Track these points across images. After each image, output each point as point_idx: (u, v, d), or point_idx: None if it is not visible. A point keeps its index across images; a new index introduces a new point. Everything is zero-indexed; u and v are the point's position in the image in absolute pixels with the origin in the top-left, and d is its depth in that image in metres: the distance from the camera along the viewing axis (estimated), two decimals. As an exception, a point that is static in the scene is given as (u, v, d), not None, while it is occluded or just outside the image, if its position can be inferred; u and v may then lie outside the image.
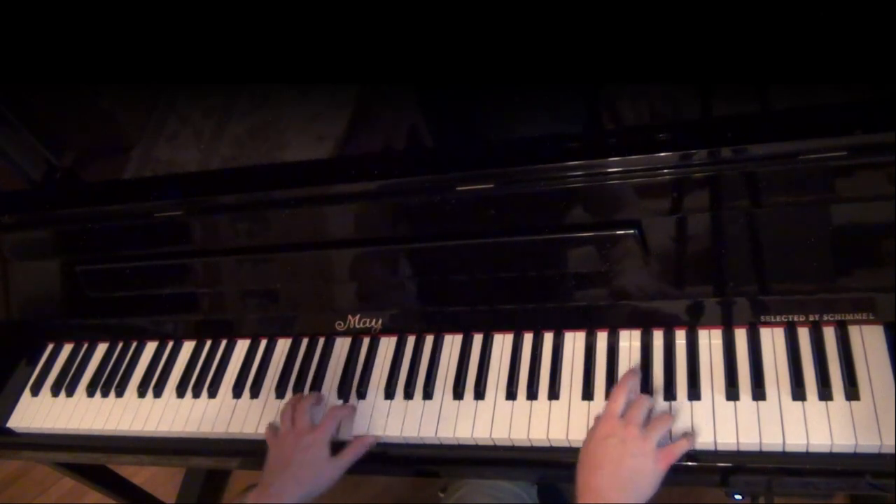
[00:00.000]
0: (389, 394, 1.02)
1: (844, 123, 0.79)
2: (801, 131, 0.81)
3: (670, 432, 0.86)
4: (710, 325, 0.93)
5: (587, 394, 0.93)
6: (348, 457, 0.96)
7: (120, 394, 1.16)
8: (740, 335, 0.91)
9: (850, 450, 0.81)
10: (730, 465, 0.85)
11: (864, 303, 0.87)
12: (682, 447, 0.83)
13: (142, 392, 1.15)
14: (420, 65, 0.88)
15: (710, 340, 0.93)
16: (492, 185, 0.93)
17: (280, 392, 1.07)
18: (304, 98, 0.96)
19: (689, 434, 0.85)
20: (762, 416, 0.84)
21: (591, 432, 0.86)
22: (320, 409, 1.02)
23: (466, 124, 0.94)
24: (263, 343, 1.14)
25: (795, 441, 0.82)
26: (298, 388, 1.06)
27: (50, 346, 1.26)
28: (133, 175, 1.10)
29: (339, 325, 1.09)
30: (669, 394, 0.89)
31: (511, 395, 0.96)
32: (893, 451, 0.79)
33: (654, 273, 0.92)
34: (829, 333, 0.88)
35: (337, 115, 0.97)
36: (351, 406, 1.02)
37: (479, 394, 0.98)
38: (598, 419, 0.87)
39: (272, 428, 1.01)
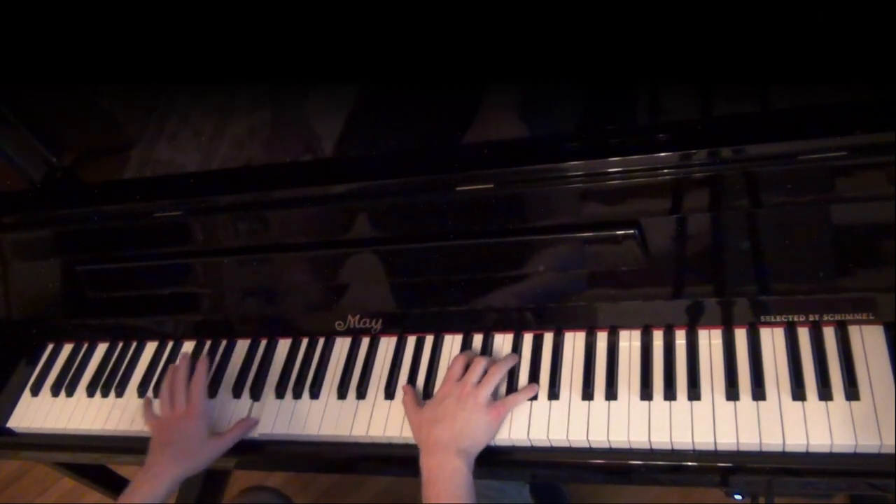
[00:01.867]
0: (389, 394, 1.02)
1: (844, 123, 0.79)
2: (801, 131, 0.81)
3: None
4: (710, 325, 0.93)
5: (587, 394, 0.93)
6: (227, 439, 1.01)
7: (120, 394, 1.16)
8: (740, 335, 0.91)
9: (850, 450, 0.81)
10: (730, 465, 0.85)
11: (864, 303, 0.87)
12: (511, 401, 0.93)
13: (142, 392, 1.15)
14: (420, 64, 0.88)
15: (710, 340, 0.93)
16: (492, 186, 0.93)
17: (280, 392, 1.07)
18: (304, 98, 0.96)
19: (524, 389, 0.94)
20: (762, 416, 0.85)
21: (433, 397, 0.96)
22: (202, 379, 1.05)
23: (466, 124, 0.94)
24: (263, 343, 1.14)
25: (795, 441, 0.82)
26: (298, 388, 1.06)
27: (50, 346, 1.26)
28: (133, 175, 1.10)
29: (339, 325, 1.09)
30: (669, 394, 0.89)
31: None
32: (893, 451, 0.79)
33: (654, 273, 0.92)
34: (829, 333, 0.88)
35: (337, 115, 0.97)
36: (204, 361, 1.07)
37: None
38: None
39: (150, 412, 1.07)
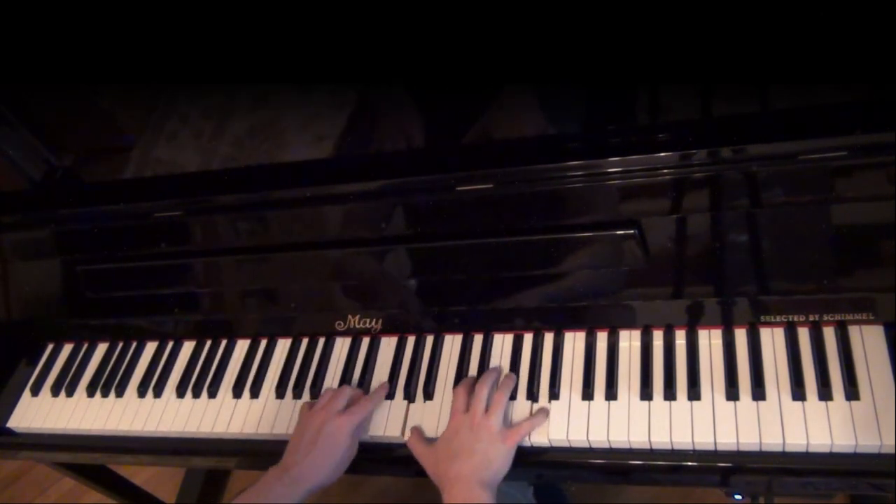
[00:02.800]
0: (389, 394, 1.02)
1: (844, 123, 0.79)
2: (801, 131, 0.81)
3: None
4: (710, 325, 0.93)
5: (587, 394, 0.93)
6: (355, 444, 0.95)
7: (120, 394, 1.16)
8: (740, 335, 0.91)
9: (850, 450, 0.81)
10: (730, 465, 0.85)
11: (864, 303, 0.87)
12: (525, 427, 0.91)
13: (142, 392, 1.15)
14: (420, 65, 0.88)
15: (710, 340, 0.93)
16: (491, 185, 0.93)
17: (280, 392, 1.07)
18: (304, 98, 0.96)
19: (536, 414, 0.92)
20: (762, 416, 0.84)
21: (444, 432, 0.93)
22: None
23: (466, 124, 0.94)
24: (263, 343, 1.14)
25: (795, 441, 0.82)
26: (298, 387, 1.06)
27: (50, 346, 1.26)
28: (133, 175, 1.10)
29: (339, 325, 1.09)
30: (669, 394, 0.89)
31: (511, 395, 0.96)
32: (893, 451, 0.79)
33: (654, 273, 0.92)
34: (829, 333, 0.88)
35: (337, 115, 0.97)
36: (384, 388, 1.01)
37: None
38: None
39: (308, 406, 1.00)
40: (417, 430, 0.96)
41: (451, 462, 0.88)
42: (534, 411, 0.93)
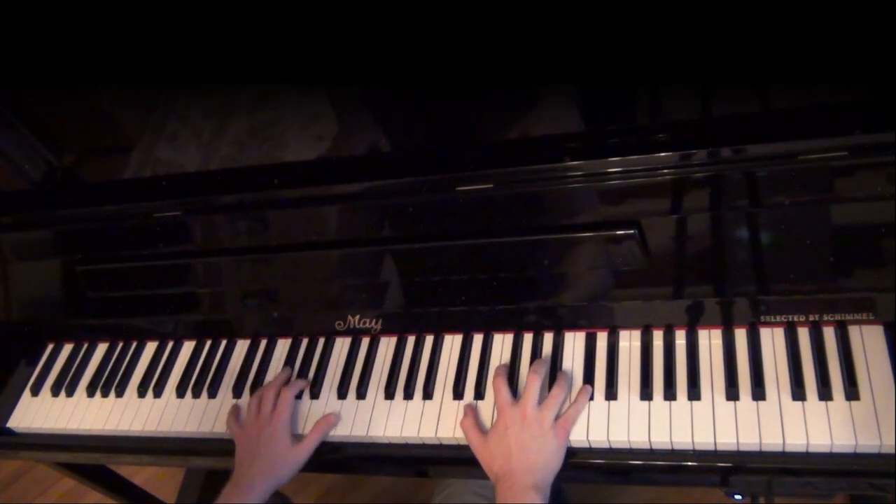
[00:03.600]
0: (389, 394, 1.02)
1: (844, 123, 0.79)
2: (801, 131, 0.81)
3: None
4: (710, 325, 0.93)
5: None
6: (310, 442, 0.98)
7: (120, 394, 1.16)
8: (740, 335, 0.91)
9: (850, 450, 0.81)
10: (730, 465, 0.85)
11: (864, 303, 0.87)
12: (574, 413, 0.89)
13: (142, 392, 1.15)
14: (420, 65, 0.88)
15: (710, 340, 0.93)
16: (491, 186, 0.93)
17: (280, 392, 1.07)
18: (304, 98, 0.96)
19: (577, 397, 0.91)
20: (762, 416, 0.84)
21: (494, 426, 0.91)
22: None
23: (466, 124, 0.94)
24: (263, 343, 1.14)
25: (795, 441, 0.82)
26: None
27: (50, 346, 1.26)
28: (133, 175, 1.10)
29: (339, 325, 1.09)
30: (669, 394, 0.89)
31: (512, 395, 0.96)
32: (893, 451, 0.79)
33: (654, 273, 0.92)
34: (829, 333, 0.88)
35: (336, 115, 0.97)
36: (304, 380, 1.05)
37: (480, 394, 0.98)
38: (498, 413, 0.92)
39: (235, 421, 1.03)
40: (472, 412, 0.94)
41: (507, 460, 0.86)
42: (574, 394, 0.92)
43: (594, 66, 0.83)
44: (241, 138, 1.02)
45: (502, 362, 0.99)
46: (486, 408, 0.96)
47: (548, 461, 0.87)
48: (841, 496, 1.41)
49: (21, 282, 1.24)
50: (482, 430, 0.92)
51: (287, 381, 1.05)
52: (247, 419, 1.02)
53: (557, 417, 0.89)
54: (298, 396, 1.05)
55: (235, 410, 1.05)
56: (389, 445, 0.99)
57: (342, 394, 1.04)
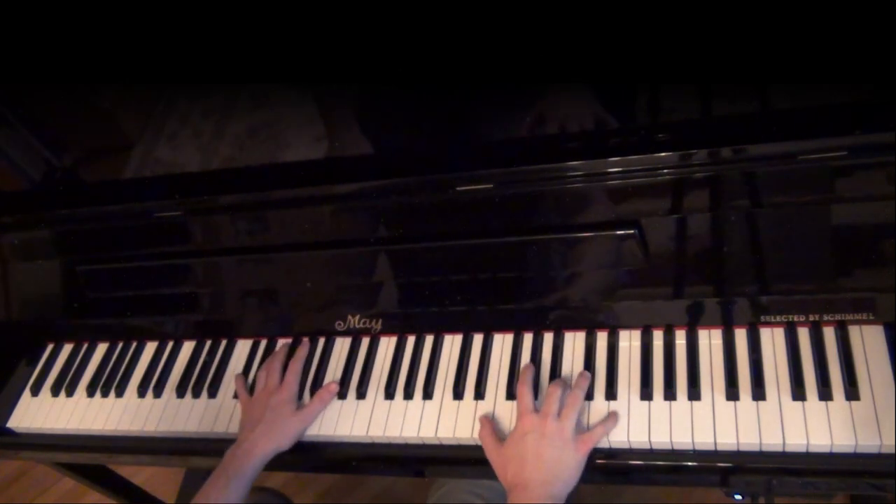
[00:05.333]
0: (389, 394, 1.02)
1: (844, 123, 0.79)
2: (801, 131, 0.81)
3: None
4: (710, 325, 0.93)
5: (587, 394, 0.92)
6: (312, 409, 1.02)
7: (120, 394, 1.16)
8: (740, 335, 0.91)
9: (851, 450, 0.81)
10: (730, 465, 0.85)
11: (864, 303, 0.87)
12: (599, 433, 0.87)
13: (142, 392, 1.15)
14: (420, 64, 0.88)
15: (710, 340, 0.93)
16: (491, 186, 0.93)
17: (280, 392, 1.07)
18: (304, 98, 0.96)
19: (606, 419, 0.89)
20: (762, 416, 0.85)
21: (512, 433, 0.89)
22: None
23: (466, 124, 0.94)
24: (263, 343, 1.14)
25: (795, 441, 0.82)
26: (299, 387, 1.06)
27: (50, 346, 1.26)
28: (133, 175, 1.10)
29: (339, 325, 1.09)
30: (670, 394, 0.89)
31: (511, 395, 0.96)
32: (893, 451, 0.79)
33: (654, 273, 0.92)
34: (829, 333, 0.88)
35: (336, 115, 0.97)
36: (304, 348, 1.08)
37: (480, 394, 0.98)
38: (518, 418, 0.90)
39: (244, 389, 1.08)
40: (489, 423, 0.92)
41: (522, 467, 0.84)
42: (608, 413, 0.90)
43: (594, 66, 0.83)
44: (241, 138, 1.02)
45: (502, 362, 0.99)
46: (486, 408, 0.96)
47: (565, 473, 0.84)
48: (841, 496, 1.41)
49: (21, 282, 1.24)
50: (499, 438, 0.91)
51: (289, 355, 1.08)
52: (257, 388, 1.05)
53: (582, 432, 0.88)
54: (299, 397, 1.05)
55: (242, 379, 1.09)
56: (389, 445, 0.99)
57: (342, 394, 1.04)
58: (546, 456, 0.84)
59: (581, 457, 0.86)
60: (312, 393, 1.05)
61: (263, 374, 1.06)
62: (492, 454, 0.89)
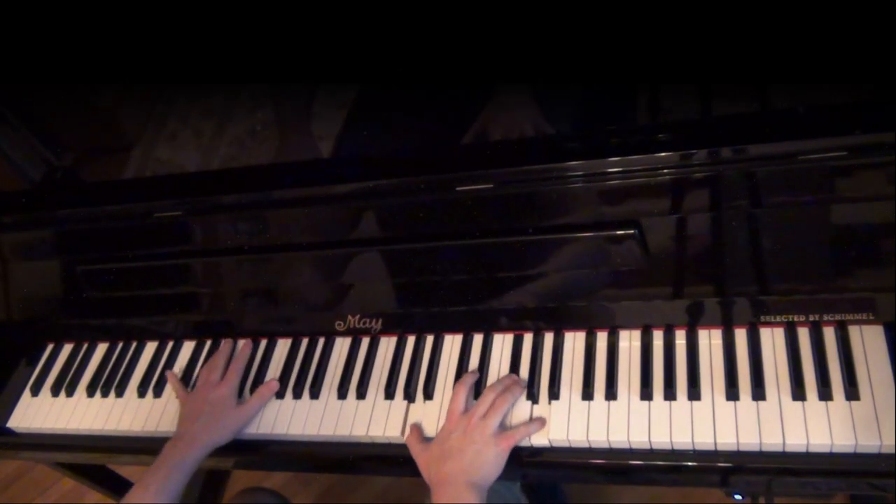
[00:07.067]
0: (390, 394, 1.02)
1: (844, 123, 0.79)
2: (801, 131, 0.81)
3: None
4: (710, 325, 0.93)
5: (587, 394, 0.93)
6: (251, 405, 1.04)
7: (120, 394, 1.16)
8: (740, 335, 0.91)
9: (850, 450, 0.81)
10: (730, 465, 0.85)
11: (864, 303, 0.87)
12: (521, 433, 0.90)
13: (142, 392, 1.15)
14: (421, 64, 0.88)
15: (710, 340, 0.93)
16: (491, 186, 0.93)
17: (280, 392, 1.07)
18: (303, 98, 0.96)
19: (533, 421, 0.92)
20: (762, 416, 0.84)
21: (438, 433, 0.93)
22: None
23: (466, 124, 0.94)
24: (263, 343, 1.14)
25: (795, 441, 0.82)
26: (298, 387, 1.06)
27: (50, 346, 1.26)
28: (133, 175, 1.10)
29: (339, 325, 1.09)
30: (670, 393, 0.89)
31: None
32: (893, 451, 0.79)
33: (654, 273, 0.92)
34: (829, 333, 0.88)
35: (337, 115, 0.97)
36: (248, 346, 1.11)
37: (480, 394, 0.98)
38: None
39: (180, 385, 1.11)
40: (417, 429, 0.96)
41: (442, 462, 0.88)
42: (533, 414, 0.93)
43: (594, 66, 0.83)
44: (241, 138, 1.02)
45: (502, 362, 0.99)
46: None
47: (484, 466, 0.88)
48: (841, 496, 1.41)
49: (21, 282, 1.24)
50: (425, 440, 0.95)
51: (233, 354, 1.12)
52: (198, 384, 1.08)
53: (506, 429, 0.91)
54: (298, 396, 1.05)
55: (174, 375, 1.13)
56: (390, 445, 0.99)
57: (342, 394, 1.04)
58: (467, 450, 0.88)
59: (501, 451, 0.89)
60: (311, 394, 1.05)
61: (206, 371, 1.08)
62: (418, 456, 0.93)
